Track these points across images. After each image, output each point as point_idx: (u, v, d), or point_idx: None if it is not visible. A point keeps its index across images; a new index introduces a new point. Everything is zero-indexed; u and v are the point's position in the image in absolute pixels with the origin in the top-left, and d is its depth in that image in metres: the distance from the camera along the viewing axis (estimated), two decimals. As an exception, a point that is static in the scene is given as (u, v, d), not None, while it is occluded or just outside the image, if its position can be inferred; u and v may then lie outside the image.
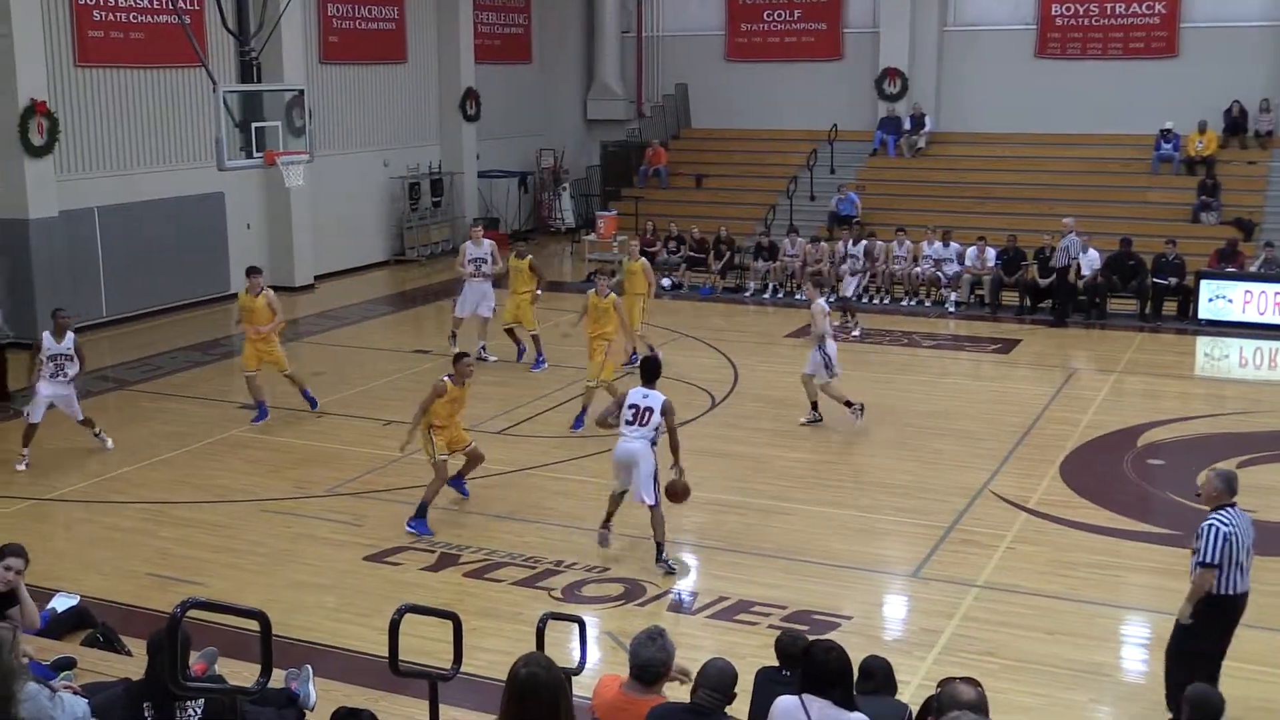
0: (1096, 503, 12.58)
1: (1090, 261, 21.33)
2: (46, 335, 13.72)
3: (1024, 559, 11.25)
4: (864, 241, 21.31)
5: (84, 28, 20.13)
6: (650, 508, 11.01)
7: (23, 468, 13.63)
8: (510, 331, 18.08)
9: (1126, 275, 21.33)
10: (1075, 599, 10.36)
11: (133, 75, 21.09)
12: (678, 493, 11.11)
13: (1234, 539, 7.85)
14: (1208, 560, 7.86)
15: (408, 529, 11.84)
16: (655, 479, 11.01)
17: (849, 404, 15.01)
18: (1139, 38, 26.96)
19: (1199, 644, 8.05)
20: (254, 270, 15.52)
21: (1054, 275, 21.03)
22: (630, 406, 11.12)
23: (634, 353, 17.03)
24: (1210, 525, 7.91)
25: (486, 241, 18.88)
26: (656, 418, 11.02)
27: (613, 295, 15.71)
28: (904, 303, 22.50)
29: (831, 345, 15.12)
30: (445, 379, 12.00)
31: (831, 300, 22.65)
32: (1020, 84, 27.57)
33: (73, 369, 13.77)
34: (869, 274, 22.06)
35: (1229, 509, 7.97)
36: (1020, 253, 21.90)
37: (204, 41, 20.65)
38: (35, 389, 13.68)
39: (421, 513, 11.92)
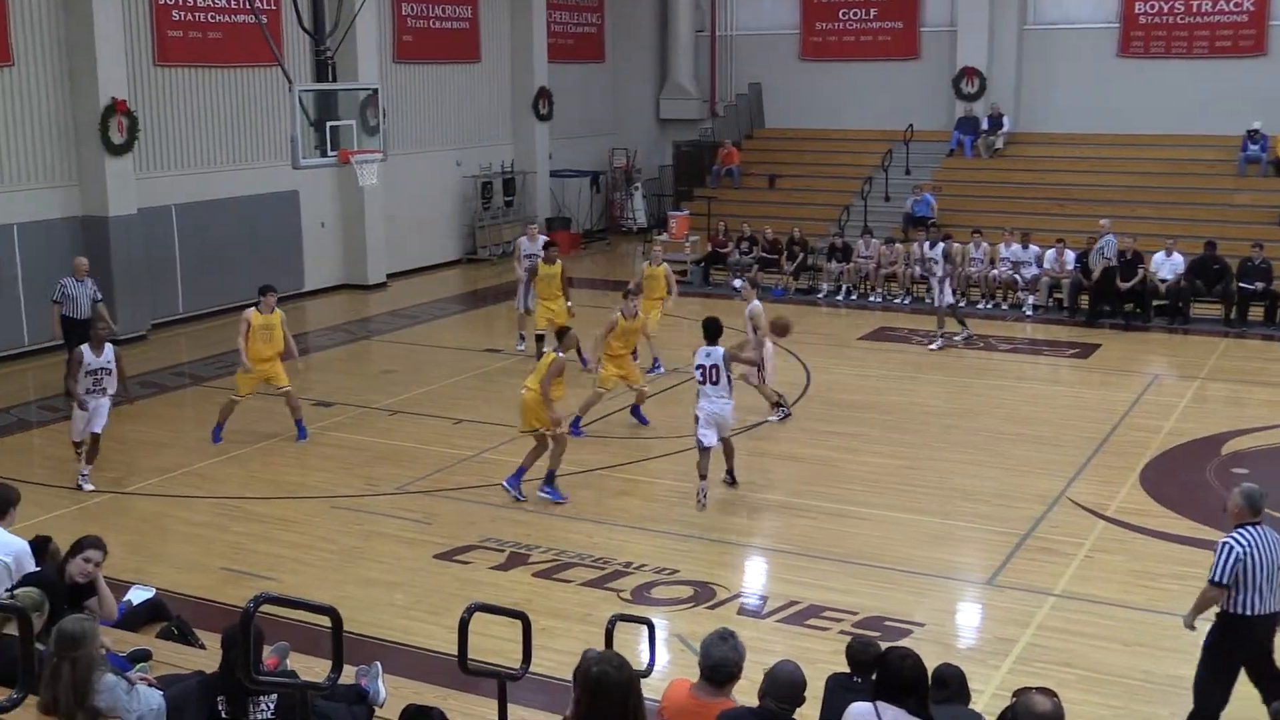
0: (1178, 512, 12.29)
1: (1173, 265, 20.92)
2: (85, 350, 13.08)
3: (1102, 568, 11.01)
4: (941, 244, 20.58)
5: (163, 27, 20.43)
6: (725, 440, 12.61)
7: (89, 486, 13.16)
8: (541, 339, 17.77)
9: (1211, 279, 20.89)
10: (1155, 610, 10.10)
11: (210, 74, 21.37)
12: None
13: (1249, 560, 7.61)
14: (1213, 578, 7.70)
15: (540, 494, 12.55)
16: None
17: (779, 404, 15.52)
18: (1226, 36, 26.36)
19: (1215, 662, 7.89)
20: (270, 289, 14.82)
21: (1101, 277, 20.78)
22: (698, 368, 12.51)
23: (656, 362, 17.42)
24: (1225, 544, 7.71)
25: (542, 238, 19.04)
26: (724, 372, 12.35)
27: (641, 315, 15.67)
28: (980, 306, 22.16)
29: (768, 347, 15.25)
30: (560, 354, 12.49)
31: (906, 302, 22.45)
32: (1102, 83, 27.07)
33: (111, 383, 13.25)
34: (951, 277, 19.93)
35: (1250, 528, 7.72)
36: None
37: (280, 41, 20.86)
38: (73, 409, 13.17)
39: (550, 479, 12.59)
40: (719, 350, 12.44)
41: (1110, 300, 20.89)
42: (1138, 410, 15.88)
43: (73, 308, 15.98)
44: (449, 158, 26.84)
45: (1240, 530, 7.72)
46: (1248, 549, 7.62)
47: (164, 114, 20.60)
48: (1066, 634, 9.72)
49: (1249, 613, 7.70)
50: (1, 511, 8.18)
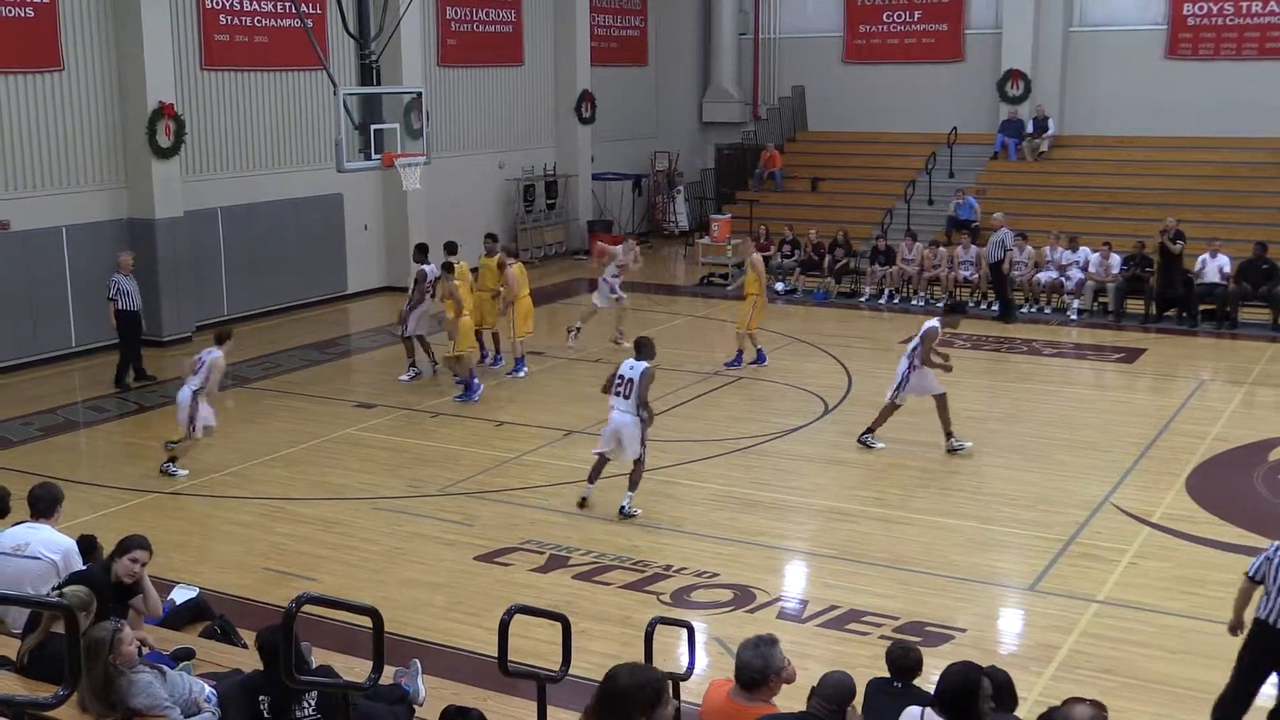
0: (1224, 518, 12.14)
1: (1218, 266, 20.70)
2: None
3: (1147, 574, 10.90)
4: (974, 248, 20.35)
5: (210, 31, 20.63)
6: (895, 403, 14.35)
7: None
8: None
9: (1259, 282, 20.64)
10: (1199, 617, 9.96)
11: (256, 78, 21.55)
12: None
13: (1275, 564, 7.64)
14: (1249, 571, 7.83)
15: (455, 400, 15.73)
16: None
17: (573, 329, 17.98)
18: (1277, 37, 26.05)
19: (1238, 662, 7.88)
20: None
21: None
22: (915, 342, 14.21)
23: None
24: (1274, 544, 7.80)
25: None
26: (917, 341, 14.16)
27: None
28: (1024, 309, 21.99)
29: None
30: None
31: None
32: (1149, 86, 26.84)
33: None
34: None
35: None
36: (1147, 259, 21.29)
37: (325, 45, 21.00)
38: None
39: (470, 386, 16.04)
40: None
41: (1006, 289, 21.49)
42: (1183, 415, 15.71)
43: (127, 302, 16.94)
44: (492, 160, 26.94)
45: None
46: (1277, 554, 7.67)
47: (210, 117, 20.79)
48: (1110, 641, 9.63)
49: (1265, 618, 7.68)
50: (49, 510, 8.28)
